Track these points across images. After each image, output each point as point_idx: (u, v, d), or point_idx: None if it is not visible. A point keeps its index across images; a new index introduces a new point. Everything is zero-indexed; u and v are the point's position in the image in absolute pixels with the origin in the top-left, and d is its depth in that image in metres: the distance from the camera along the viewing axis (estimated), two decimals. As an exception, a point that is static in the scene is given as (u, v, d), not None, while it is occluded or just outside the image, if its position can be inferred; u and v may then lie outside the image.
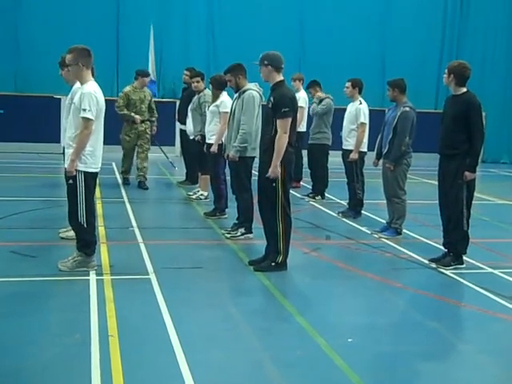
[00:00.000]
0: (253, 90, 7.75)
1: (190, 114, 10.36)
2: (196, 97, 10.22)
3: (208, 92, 10.02)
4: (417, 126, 8.31)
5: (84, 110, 5.93)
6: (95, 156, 6.14)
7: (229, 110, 8.57)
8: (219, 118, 8.93)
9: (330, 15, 17.94)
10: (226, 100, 8.96)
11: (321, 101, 10.94)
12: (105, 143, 6.35)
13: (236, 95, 8.00)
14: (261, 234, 7.06)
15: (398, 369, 4.56)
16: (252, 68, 7.51)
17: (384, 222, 8.72)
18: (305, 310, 5.58)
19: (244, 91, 7.76)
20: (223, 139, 8.60)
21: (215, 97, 9.17)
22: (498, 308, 5.84)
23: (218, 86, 9.10)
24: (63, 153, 6.79)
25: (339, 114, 10.26)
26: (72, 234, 6.79)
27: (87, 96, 5.98)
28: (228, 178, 8.62)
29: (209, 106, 9.49)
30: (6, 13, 16.29)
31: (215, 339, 4.86)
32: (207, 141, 9.11)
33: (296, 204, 9.54)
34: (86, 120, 5.95)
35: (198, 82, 10.28)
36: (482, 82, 17.47)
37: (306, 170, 12.22)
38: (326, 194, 11.18)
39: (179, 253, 7.36)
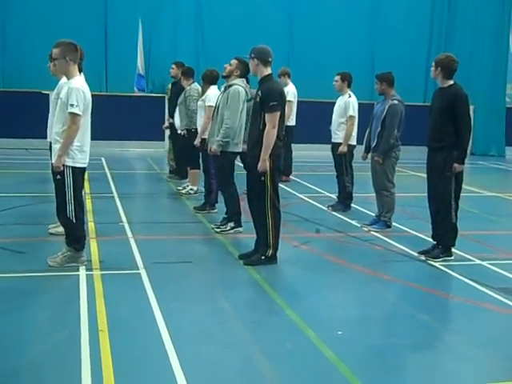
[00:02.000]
0: (239, 85, 7.73)
1: (177, 108, 10.39)
2: (183, 91, 10.27)
3: (194, 86, 10.11)
4: (405, 119, 8.34)
5: (71, 105, 5.91)
6: (83, 151, 6.12)
7: (213, 104, 8.62)
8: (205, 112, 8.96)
9: (319, 9, 17.90)
10: (210, 94, 8.96)
11: None
12: (93, 138, 6.33)
13: (222, 89, 8.00)
14: (250, 228, 7.07)
15: (389, 361, 4.58)
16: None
17: (373, 215, 8.74)
18: (295, 303, 5.59)
19: (230, 85, 7.74)
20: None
21: (203, 91, 9.20)
22: (487, 299, 5.88)
23: (208, 81, 9.12)
24: (50, 149, 6.77)
25: (329, 107, 10.27)
26: (61, 229, 6.77)
27: (75, 91, 5.95)
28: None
29: (195, 100, 9.59)
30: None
31: (205, 333, 4.86)
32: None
33: (285, 198, 9.56)
34: (74, 115, 5.92)
35: (182, 78, 10.45)
36: (470, 75, 17.52)
37: (295, 165, 12.27)
38: (315, 188, 11.26)
39: (169, 247, 7.35)
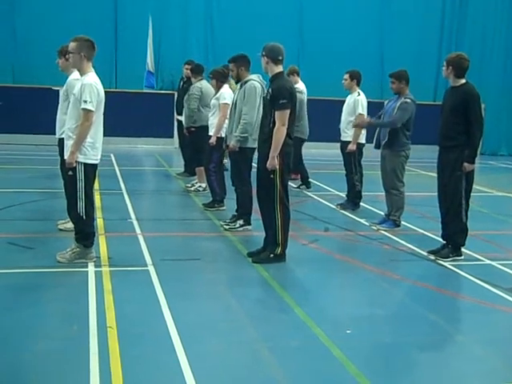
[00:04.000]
0: (254, 80, 7.73)
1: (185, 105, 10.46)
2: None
3: (198, 84, 10.16)
4: (415, 119, 8.29)
5: (85, 101, 5.91)
6: (95, 148, 6.12)
7: (228, 102, 8.64)
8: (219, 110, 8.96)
9: (329, 8, 17.88)
10: (225, 92, 8.96)
11: None
12: (104, 135, 6.34)
13: (238, 86, 8.01)
14: (259, 226, 7.06)
15: (396, 360, 4.57)
16: (256, 60, 7.46)
17: (382, 213, 8.72)
18: (303, 301, 5.59)
19: (246, 82, 7.74)
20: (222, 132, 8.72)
21: (216, 89, 9.20)
22: (496, 300, 5.85)
23: (220, 79, 9.11)
24: (58, 144, 6.78)
25: (337, 105, 10.24)
26: (70, 225, 6.79)
27: (88, 87, 5.95)
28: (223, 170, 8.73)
29: (196, 99, 9.86)
30: (4, 4, 16.20)
31: (213, 330, 4.86)
32: (210, 133, 9.10)
33: (295, 196, 9.55)
34: (87, 111, 5.93)
35: (191, 75, 10.57)
36: (481, 74, 17.44)
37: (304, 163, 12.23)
38: (324, 186, 11.22)
39: (178, 244, 7.36)
